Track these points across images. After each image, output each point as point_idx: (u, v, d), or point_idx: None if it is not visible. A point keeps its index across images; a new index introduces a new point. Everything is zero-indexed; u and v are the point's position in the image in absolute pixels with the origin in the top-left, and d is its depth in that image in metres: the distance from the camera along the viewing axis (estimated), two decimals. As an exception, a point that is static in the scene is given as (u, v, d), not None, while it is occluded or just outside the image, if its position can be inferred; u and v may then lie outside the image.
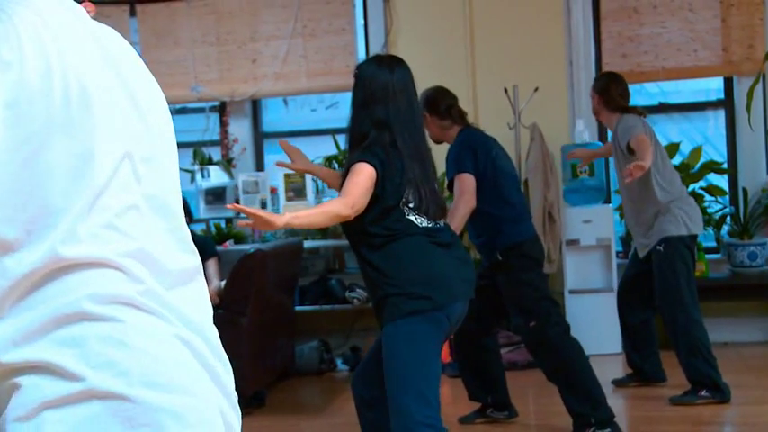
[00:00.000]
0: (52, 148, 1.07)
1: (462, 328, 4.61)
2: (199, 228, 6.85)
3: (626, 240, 6.57)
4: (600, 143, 6.63)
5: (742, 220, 6.55)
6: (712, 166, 6.62)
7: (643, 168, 4.52)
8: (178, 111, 7.18)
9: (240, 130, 7.38)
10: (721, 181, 6.87)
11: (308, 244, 6.60)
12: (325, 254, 7.08)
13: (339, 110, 7.40)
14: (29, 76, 1.07)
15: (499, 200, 4.50)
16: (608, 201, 6.64)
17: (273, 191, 6.94)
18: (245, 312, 5.31)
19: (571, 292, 6.42)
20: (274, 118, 7.76)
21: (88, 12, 1.21)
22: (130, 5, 7.29)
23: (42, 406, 1.04)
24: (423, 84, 4.68)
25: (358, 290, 6.40)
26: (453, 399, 5.27)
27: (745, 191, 6.61)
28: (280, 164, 3.83)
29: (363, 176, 3.14)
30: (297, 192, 6.76)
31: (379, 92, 3.26)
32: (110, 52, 1.18)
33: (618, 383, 5.50)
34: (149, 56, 7.02)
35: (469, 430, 4.64)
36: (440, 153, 4.74)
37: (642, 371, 5.46)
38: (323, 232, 6.86)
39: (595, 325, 6.14)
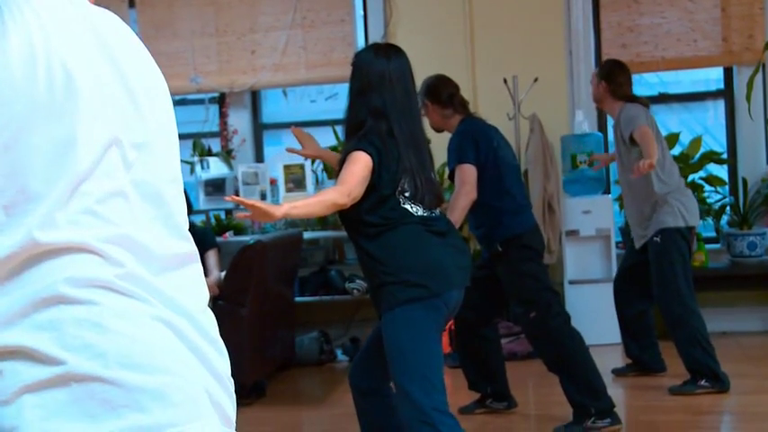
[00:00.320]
0: (33, 132, 1.06)
1: (462, 318, 4.64)
2: (199, 219, 6.85)
3: (626, 231, 6.57)
4: (599, 134, 6.64)
5: (741, 210, 6.55)
6: (712, 157, 6.62)
7: (652, 167, 4.54)
8: (178, 102, 7.17)
9: (240, 121, 7.37)
10: (721, 171, 6.86)
11: (307, 235, 6.60)
12: (324, 245, 7.08)
13: (338, 101, 7.39)
14: (11, 61, 1.06)
15: (500, 191, 4.48)
16: (607, 191, 6.64)
17: (273, 182, 6.94)
18: (244, 303, 5.32)
19: (571, 282, 6.43)
20: (274, 109, 7.75)
21: None
22: (129, -4, 7.28)
23: (21, 390, 1.04)
24: (422, 74, 4.68)
25: (358, 281, 6.41)
26: (454, 389, 5.27)
27: (744, 181, 6.61)
28: (290, 150, 3.84)
29: (360, 165, 3.15)
30: (296, 183, 6.76)
31: (376, 80, 3.26)
32: (105, 38, 1.17)
33: (617, 373, 5.51)
34: (148, 47, 6.83)
35: (469, 420, 4.65)
36: (441, 143, 4.75)
37: (641, 361, 5.47)
38: (322, 223, 6.86)
39: (595, 315, 6.14)
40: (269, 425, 4.99)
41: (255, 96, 7.53)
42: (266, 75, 7.18)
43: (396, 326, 3.17)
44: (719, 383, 4.95)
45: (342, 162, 3.23)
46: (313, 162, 6.78)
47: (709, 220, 6.69)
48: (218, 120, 7.33)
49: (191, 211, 5.74)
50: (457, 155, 4.44)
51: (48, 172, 1.07)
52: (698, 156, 6.58)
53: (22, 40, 1.08)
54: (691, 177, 6.51)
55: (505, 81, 6.39)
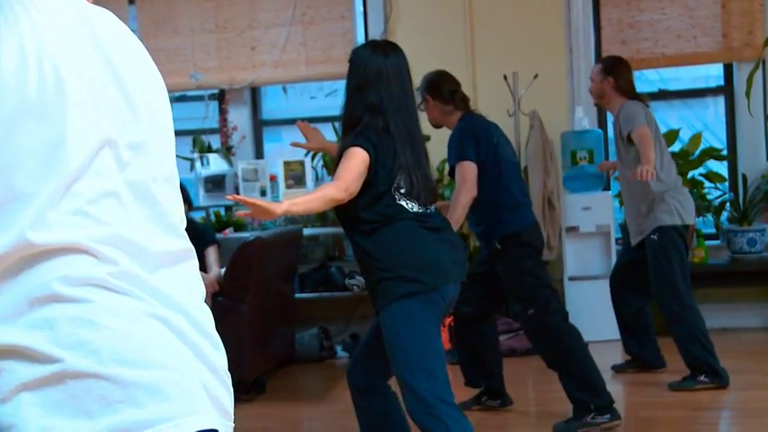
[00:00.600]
0: (22, 132, 1.07)
1: (460, 314, 4.66)
2: (198, 215, 6.85)
3: (625, 227, 6.58)
4: (599, 130, 6.63)
5: (741, 206, 6.55)
6: (712, 153, 6.62)
7: (652, 174, 4.54)
8: (177, 99, 7.17)
9: (239, 117, 7.37)
10: (721, 167, 6.86)
11: (307, 231, 6.60)
12: (324, 241, 7.08)
13: (338, 97, 7.34)
14: (2, 62, 1.07)
15: (499, 188, 4.48)
16: (607, 188, 6.64)
17: (273, 179, 6.94)
18: (244, 300, 5.32)
19: (570, 278, 6.43)
20: (273, 106, 7.75)
21: None
22: (129, -7, 7.28)
23: (18, 388, 1.05)
24: (422, 71, 4.69)
25: (358, 277, 6.41)
26: (453, 386, 5.27)
27: (744, 177, 6.61)
28: (294, 144, 3.85)
29: (356, 161, 3.16)
30: (296, 179, 6.76)
31: (373, 77, 3.27)
32: (101, 38, 1.17)
33: (617, 369, 5.52)
34: (148, 44, 6.90)
35: (468, 416, 4.64)
36: (441, 139, 4.75)
37: (640, 358, 5.47)
38: (322, 220, 6.86)
39: (595, 311, 6.14)
40: (269, 421, 4.99)
41: (255, 93, 7.53)
42: (266, 71, 7.18)
43: (394, 321, 3.18)
44: (719, 379, 4.95)
45: (338, 158, 3.24)
46: (313, 158, 6.78)
47: (709, 217, 6.70)
48: (217, 116, 7.32)
49: (190, 207, 5.75)
50: (457, 152, 4.43)
51: (36, 171, 1.07)
52: (698, 152, 6.58)
53: (14, 42, 1.08)
54: (691, 174, 6.51)
55: (505, 78, 6.38)
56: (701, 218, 6.61)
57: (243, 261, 5.29)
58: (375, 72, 3.27)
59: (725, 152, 6.79)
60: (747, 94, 4.00)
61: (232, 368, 1.25)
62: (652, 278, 5.08)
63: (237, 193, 6.80)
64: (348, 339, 6.62)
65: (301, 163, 6.70)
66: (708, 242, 6.60)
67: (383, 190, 3.21)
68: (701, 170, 6.66)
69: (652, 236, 5.05)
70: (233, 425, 1.22)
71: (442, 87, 4.59)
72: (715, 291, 6.57)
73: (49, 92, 1.09)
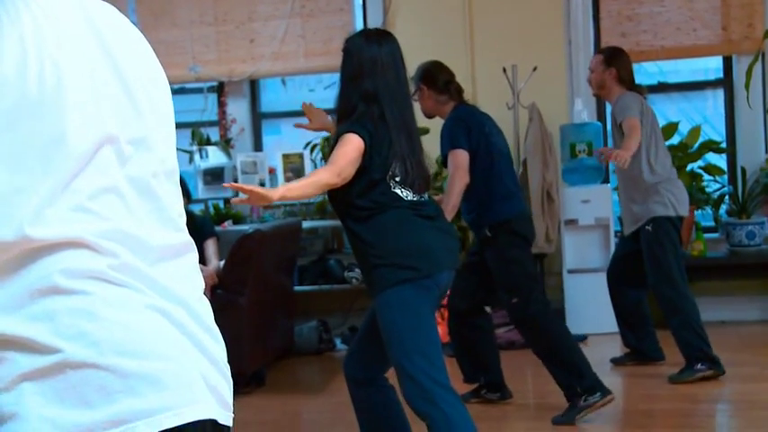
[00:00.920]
0: (22, 127, 1.07)
1: (455, 309, 4.69)
2: (197, 208, 6.85)
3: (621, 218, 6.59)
4: (598, 123, 6.63)
5: (740, 199, 6.55)
6: (711, 146, 6.62)
7: (623, 160, 4.57)
8: (176, 91, 7.14)
9: (238, 110, 7.37)
10: (720, 160, 6.87)
11: (306, 224, 6.60)
12: (323, 234, 7.08)
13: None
14: (3, 58, 1.07)
15: (491, 177, 4.54)
16: (606, 180, 6.64)
17: (272, 171, 6.94)
18: (244, 292, 5.32)
19: (569, 271, 6.43)
20: (272, 98, 7.74)
21: None
22: (128, -15, 7.26)
23: (20, 378, 1.07)
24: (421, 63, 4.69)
25: (356, 270, 6.41)
26: (451, 378, 5.28)
27: (743, 170, 6.61)
28: (298, 125, 3.87)
29: (351, 146, 3.17)
30: (295, 172, 6.76)
31: (368, 65, 3.28)
32: (102, 33, 1.18)
33: (616, 362, 5.52)
34: (147, 36, 6.85)
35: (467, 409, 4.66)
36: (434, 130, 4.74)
37: (639, 350, 5.48)
38: (321, 213, 6.87)
39: (594, 304, 6.15)
40: (268, 413, 5.00)
41: (254, 85, 7.52)
42: (265, 64, 7.17)
43: (390, 307, 3.20)
44: (716, 365, 4.98)
45: (334, 144, 3.26)
46: (312, 151, 6.78)
47: (708, 210, 6.70)
48: (216, 109, 7.32)
49: (189, 200, 5.74)
50: (449, 140, 4.50)
51: (37, 168, 1.08)
52: (697, 145, 6.57)
53: (15, 37, 1.09)
54: (690, 167, 6.51)
55: (504, 70, 6.38)
56: (699, 211, 6.62)
57: (242, 254, 5.29)
58: (370, 61, 3.29)
59: (724, 145, 6.79)
60: (747, 86, 4.01)
61: (231, 361, 1.26)
62: (648, 269, 5.11)
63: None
64: (347, 332, 6.63)
65: (300, 155, 6.70)
66: (707, 235, 6.61)
67: (378, 178, 3.23)
68: (700, 163, 6.67)
69: (646, 227, 5.09)
70: (232, 415, 1.23)
71: (438, 77, 4.63)
72: (714, 284, 6.58)
73: (48, 88, 1.09)
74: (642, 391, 4.97)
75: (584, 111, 6.50)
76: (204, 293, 1.27)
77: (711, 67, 7.10)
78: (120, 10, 1.27)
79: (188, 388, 1.14)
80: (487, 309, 4.94)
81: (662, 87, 7.04)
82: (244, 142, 7.33)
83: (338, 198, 3.29)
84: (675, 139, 6.52)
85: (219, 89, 7.36)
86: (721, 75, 6.96)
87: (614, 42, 6.49)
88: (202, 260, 5.39)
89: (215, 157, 6.98)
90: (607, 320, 5.94)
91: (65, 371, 1.06)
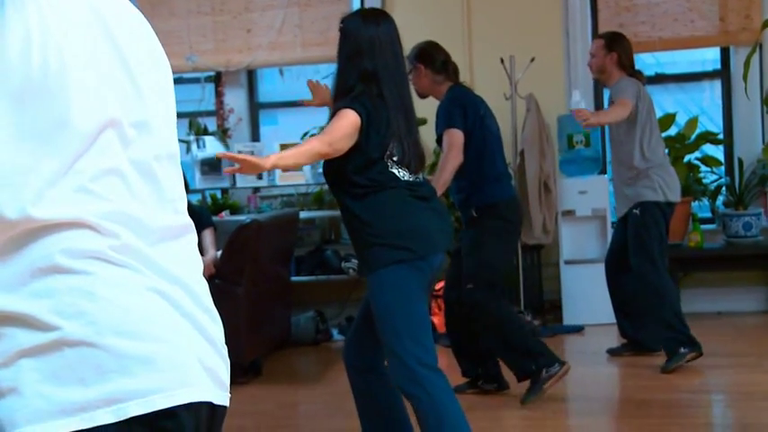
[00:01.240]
0: (26, 110, 1.09)
1: (449, 300, 4.69)
2: (195, 198, 6.85)
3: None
4: (596, 114, 6.63)
5: (737, 190, 6.56)
6: (708, 137, 6.63)
7: (587, 118, 4.79)
8: (173, 81, 7.12)
9: (236, 100, 7.36)
10: (717, 152, 6.87)
11: (303, 214, 6.60)
12: (320, 224, 7.08)
13: (335, 80, 7.36)
14: (7, 42, 1.09)
15: (483, 158, 4.57)
16: (603, 171, 6.64)
17: (269, 161, 6.91)
18: (240, 283, 5.32)
19: (566, 262, 6.44)
20: (270, 88, 7.73)
21: None
22: (124, -26, 7.24)
23: (18, 354, 1.09)
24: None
25: (354, 260, 6.42)
26: (447, 368, 5.30)
27: (740, 161, 6.61)
28: (301, 101, 3.91)
29: (347, 121, 3.18)
30: (292, 162, 6.74)
31: (366, 45, 3.29)
32: (105, 17, 1.19)
33: (613, 353, 5.54)
34: (144, 25, 6.98)
35: (463, 400, 4.66)
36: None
37: (636, 341, 5.49)
38: (319, 203, 6.87)
39: (590, 295, 6.16)
40: (265, 403, 5.01)
41: (251, 75, 7.51)
42: (262, 54, 7.15)
43: (382, 287, 3.22)
44: (697, 346, 5.03)
45: (331, 118, 3.27)
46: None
47: (705, 201, 6.71)
48: (213, 99, 7.31)
49: (187, 190, 5.73)
50: (446, 119, 4.53)
51: (40, 149, 1.10)
52: (694, 136, 6.58)
53: (19, 24, 1.11)
54: (687, 158, 6.52)
55: (502, 61, 6.37)
56: (696, 202, 6.63)
57: (239, 244, 5.29)
58: (368, 41, 3.29)
59: (721, 136, 6.79)
60: (744, 77, 4.01)
61: (228, 350, 1.28)
62: (631, 250, 5.16)
63: (232, 178, 6.80)
64: (344, 322, 6.63)
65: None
66: (703, 226, 6.62)
67: (376, 157, 3.24)
68: (697, 154, 6.67)
69: (634, 210, 5.14)
70: (229, 395, 1.24)
71: (435, 57, 4.66)
72: (710, 275, 6.59)
73: (52, 73, 1.11)
74: (639, 382, 4.98)
75: (581, 101, 6.47)
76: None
77: (709, 58, 7.10)
78: (118, 0, 1.28)
79: (182, 370, 1.15)
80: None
81: (659, 78, 7.04)
82: (241, 132, 7.33)
83: (334, 173, 3.30)
84: (673, 131, 6.52)
85: (217, 79, 7.35)
86: (719, 66, 6.96)
87: (612, 33, 6.48)
88: (200, 250, 5.37)
89: (212, 147, 6.97)
90: (604, 311, 5.95)
91: (62, 348, 1.09)
